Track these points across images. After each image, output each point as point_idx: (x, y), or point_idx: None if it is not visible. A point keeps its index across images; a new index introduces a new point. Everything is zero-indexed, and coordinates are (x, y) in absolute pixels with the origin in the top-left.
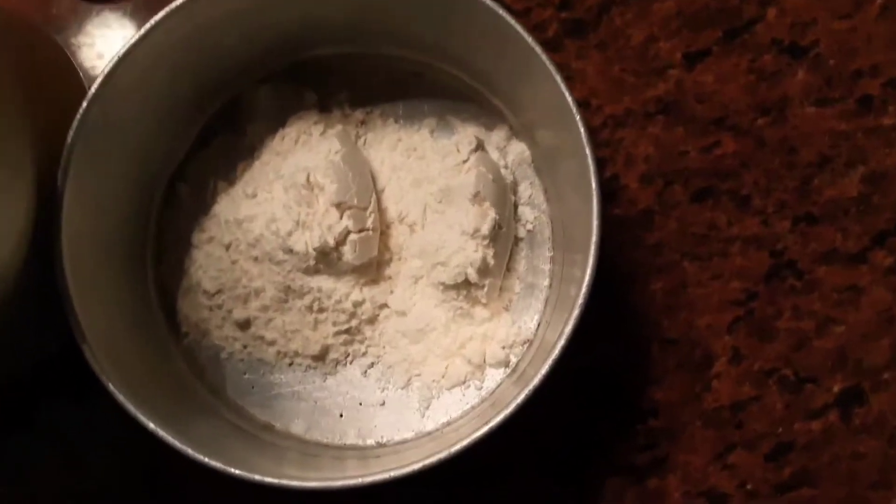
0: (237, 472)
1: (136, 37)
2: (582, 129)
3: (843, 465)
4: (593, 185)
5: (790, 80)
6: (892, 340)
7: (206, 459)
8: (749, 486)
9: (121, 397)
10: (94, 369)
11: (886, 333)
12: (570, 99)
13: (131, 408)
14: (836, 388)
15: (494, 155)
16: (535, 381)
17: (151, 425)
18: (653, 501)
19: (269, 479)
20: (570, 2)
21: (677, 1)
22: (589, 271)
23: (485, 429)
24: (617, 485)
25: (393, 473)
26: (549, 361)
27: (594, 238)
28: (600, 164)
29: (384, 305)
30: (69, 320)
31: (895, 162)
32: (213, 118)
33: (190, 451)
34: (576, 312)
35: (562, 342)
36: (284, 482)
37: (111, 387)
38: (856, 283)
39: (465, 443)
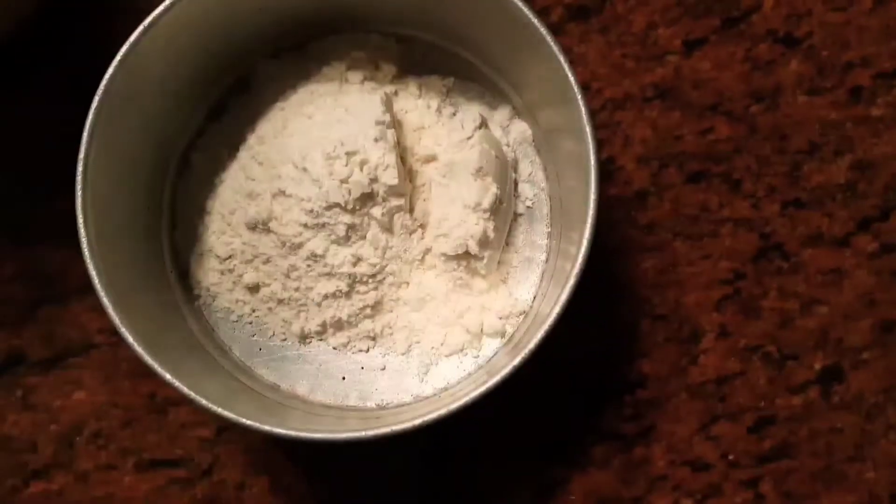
0: (248, 422)
1: (164, 5)
2: (583, 111)
3: (821, 439)
4: (592, 164)
5: (784, 70)
6: (872, 322)
7: (220, 410)
8: (731, 457)
9: (138, 348)
10: (115, 322)
11: (867, 315)
12: (573, 81)
13: (148, 358)
14: (817, 366)
15: (497, 133)
16: (530, 346)
17: (168, 376)
18: (638, 469)
19: (277, 430)
20: None
21: None
22: (584, 245)
23: (481, 389)
24: (603, 452)
25: (394, 428)
26: (543, 330)
27: (590, 214)
28: (598, 145)
29: (387, 274)
30: (91, 277)
31: (882, 151)
32: (226, 90)
33: (203, 402)
34: (570, 283)
35: (556, 311)
36: (292, 433)
37: (130, 339)
38: (840, 266)
39: (461, 402)
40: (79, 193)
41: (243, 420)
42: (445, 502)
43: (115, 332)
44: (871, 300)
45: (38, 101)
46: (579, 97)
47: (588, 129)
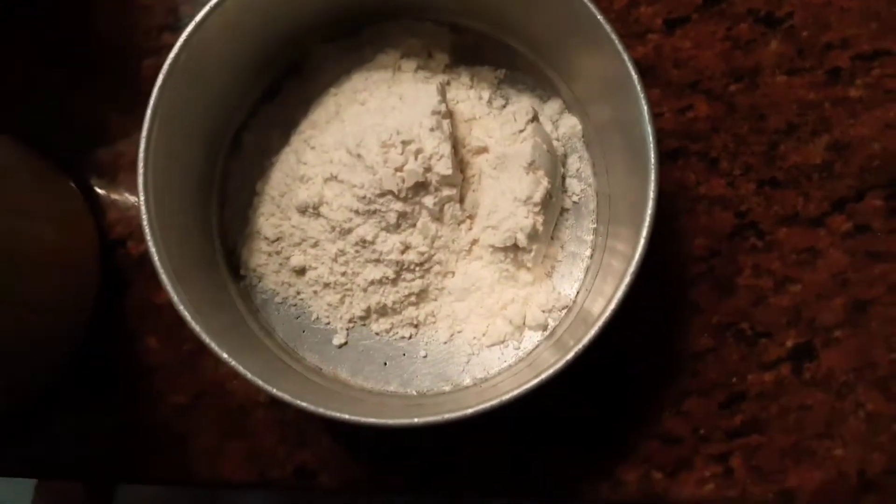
0: (303, 404)
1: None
2: (644, 104)
3: (791, 416)
4: (652, 160)
5: (764, 50)
6: (844, 301)
7: (274, 391)
8: (702, 431)
9: (196, 326)
10: (173, 299)
11: (839, 294)
12: (634, 73)
13: (206, 337)
14: (789, 343)
15: (547, 127)
16: (581, 344)
17: (224, 355)
18: (610, 440)
19: (331, 413)
20: None
21: None
22: (640, 248)
23: (529, 384)
24: (575, 424)
25: (446, 416)
26: (595, 328)
27: (649, 213)
28: (658, 138)
29: (434, 263)
30: (151, 252)
31: (859, 132)
32: (281, 73)
33: (260, 383)
34: (626, 281)
35: (610, 309)
36: (344, 416)
37: (188, 316)
38: (814, 245)
39: (510, 395)
40: (140, 171)
41: (298, 402)
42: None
43: None
44: (843, 280)
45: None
46: (640, 91)
47: (649, 124)
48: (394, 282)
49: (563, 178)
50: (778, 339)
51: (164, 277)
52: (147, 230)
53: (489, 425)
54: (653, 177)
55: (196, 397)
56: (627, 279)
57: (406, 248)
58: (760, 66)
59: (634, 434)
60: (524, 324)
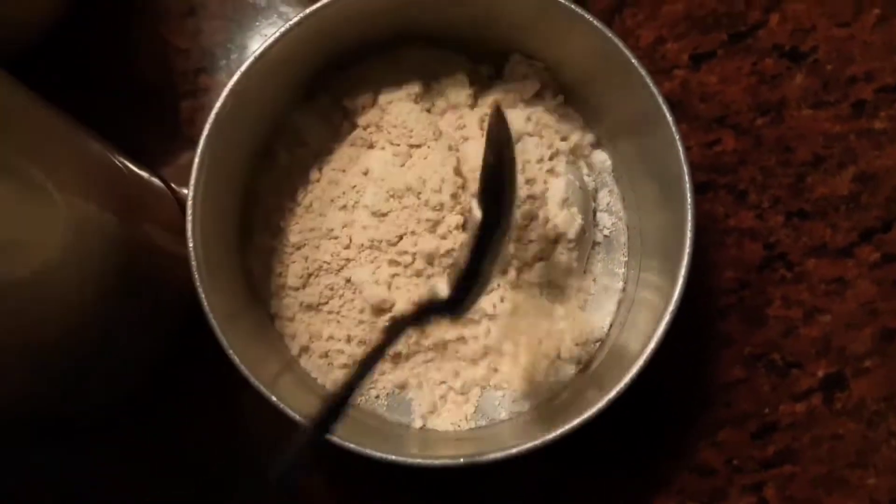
0: (366, 450)
1: (274, 37)
2: (678, 140)
3: (823, 446)
4: (688, 195)
5: (789, 83)
6: (873, 330)
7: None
8: (735, 462)
9: (249, 374)
10: (223, 344)
11: (869, 324)
12: (666, 110)
13: (256, 382)
14: (819, 374)
15: (578, 162)
16: (622, 384)
17: (274, 399)
18: (645, 472)
19: (378, 455)
20: (585, 2)
21: (686, 4)
22: (679, 285)
23: (568, 426)
24: (610, 455)
25: (489, 457)
26: (636, 368)
27: (688, 247)
28: (692, 173)
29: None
30: (201, 296)
31: (884, 163)
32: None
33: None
34: (666, 320)
35: (650, 349)
36: (390, 457)
37: (237, 359)
38: (842, 275)
39: (551, 436)
40: (189, 218)
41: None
42: None
43: None
44: (872, 309)
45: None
46: (673, 127)
47: (683, 158)
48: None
49: (595, 212)
50: (808, 369)
51: (212, 320)
52: (196, 274)
53: (522, 457)
54: (689, 214)
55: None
56: (667, 317)
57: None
58: (786, 100)
59: (669, 466)
60: (559, 357)
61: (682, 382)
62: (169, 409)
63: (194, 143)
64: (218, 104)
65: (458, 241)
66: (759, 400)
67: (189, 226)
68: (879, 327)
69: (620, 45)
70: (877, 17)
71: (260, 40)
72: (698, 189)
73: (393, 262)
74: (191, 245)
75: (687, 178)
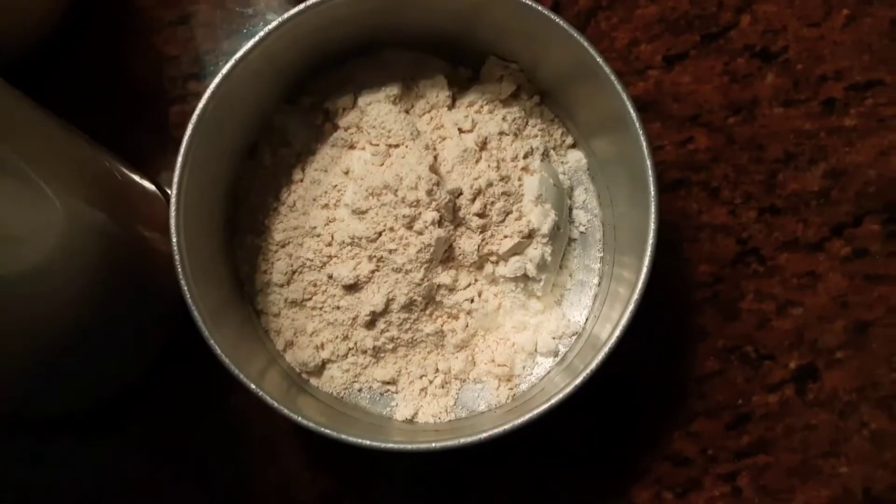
0: (327, 431)
1: (252, 42)
2: (643, 139)
3: (796, 436)
4: (652, 192)
5: (760, 83)
6: (845, 323)
7: (299, 419)
8: (710, 452)
9: (230, 365)
10: (207, 338)
11: (840, 316)
12: (633, 112)
13: (237, 372)
14: (792, 365)
15: (554, 161)
16: (589, 369)
17: (257, 389)
18: (621, 462)
19: (352, 439)
20: (560, 5)
21: (659, 7)
22: (643, 274)
23: (539, 409)
24: (587, 448)
25: (463, 440)
26: (603, 353)
27: (650, 241)
28: (658, 173)
29: (448, 292)
30: (185, 292)
31: (855, 160)
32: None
33: (301, 420)
34: (630, 309)
35: (615, 335)
36: (365, 442)
37: (218, 350)
38: (814, 269)
39: (525, 418)
40: (172, 214)
41: (314, 426)
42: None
43: None
44: (844, 302)
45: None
46: (638, 126)
47: (648, 157)
48: (404, 312)
49: (570, 209)
50: (781, 361)
51: (198, 317)
52: (179, 271)
53: (503, 450)
54: (653, 210)
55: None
56: (631, 306)
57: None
58: (758, 99)
59: (645, 456)
60: (536, 350)
61: (657, 375)
62: (161, 409)
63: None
64: (199, 107)
65: (434, 237)
66: (733, 391)
67: (172, 225)
68: (851, 320)
69: (590, 49)
70: (846, 18)
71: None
72: (672, 186)
73: (372, 258)
74: (174, 243)
75: (651, 179)
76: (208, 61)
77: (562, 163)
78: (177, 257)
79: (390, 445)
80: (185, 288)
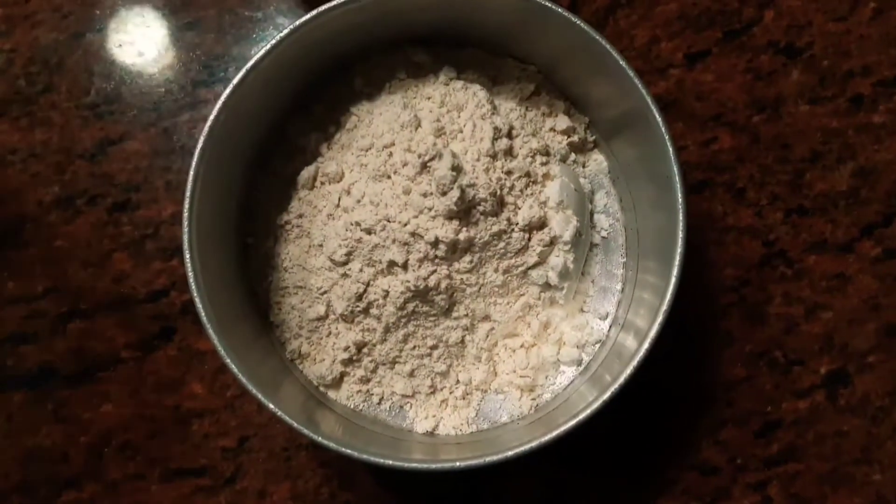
0: (347, 451)
1: (264, 50)
2: (667, 140)
3: (827, 443)
4: (679, 195)
5: (785, 80)
6: (876, 326)
7: (319, 438)
8: (739, 461)
9: (240, 374)
10: (218, 348)
11: (871, 319)
12: (656, 112)
13: (249, 384)
14: (822, 370)
15: (575, 165)
16: (618, 383)
17: (270, 404)
18: (648, 472)
19: (374, 459)
20: (578, 4)
21: (679, 3)
22: (672, 283)
23: (568, 425)
24: (614, 456)
25: (488, 458)
26: (631, 367)
27: (679, 248)
28: (684, 175)
29: (468, 300)
30: (196, 303)
31: (884, 157)
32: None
33: (323, 439)
34: (659, 320)
35: (644, 347)
36: (388, 462)
37: (231, 363)
38: (843, 271)
39: (554, 434)
40: (185, 227)
41: (334, 445)
42: None
43: (139, 348)
44: (875, 304)
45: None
46: (662, 126)
47: (674, 160)
48: (428, 328)
49: (591, 214)
50: (811, 366)
51: (208, 328)
52: (192, 283)
53: (527, 460)
54: (681, 214)
55: (241, 440)
56: (660, 318)
57: (437, 285)
58: (783, 97)
59: (672, 465)
60: (559, 359)
61: (683, 382)
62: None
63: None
64: (212, 117)
65: (445, 233)
66: (761, 398)
67: (185, 237)
68: (882, 322)
69: (609, 47)
70: (873, 11)
71: (257, 52)
72: (696, 188)
73: (384, 263)
74: (187, 260)
75: (678, 178)
76: (217, 67)
77: (582, 166)
78: (189, 269)
79: (414, 465)
80: (197, 299)
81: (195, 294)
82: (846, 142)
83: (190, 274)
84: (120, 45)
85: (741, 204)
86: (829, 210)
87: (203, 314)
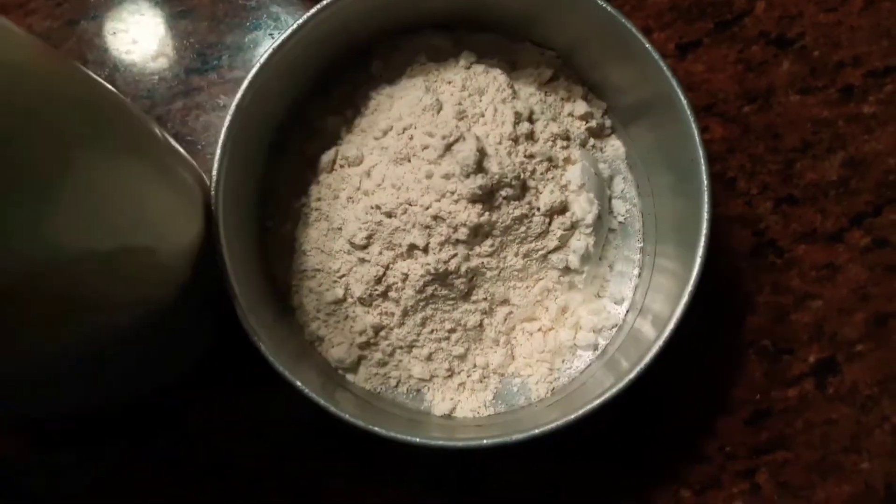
0: (380, 430)
1: (288, 32)
2: (694, 123)
3: (816, 431)
4: (704, 181)
5: (776, 70)
6: (865, 315)
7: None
8: (728, 449)
9: (270, 357)
10: (249, 332)
11: (860, 308)
12: (681, 94)
13: (279, 365)
14: (811, 359)
15: (593, 150)
16: (636, 371)
17: (297, 382)
18: (638, 460)
19: (392, 435)
20: None
21: None
22: (696, 269)
23: (584, 409)
24: (603, 444)
25: (513, 437)
26: (651, 354)
27: (704, 231)
28: (708, 158)
29: (487, 283)
30: (230, 283)
31: (874, 148)
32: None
33: (349, 416)
34: (683, 302)
35: (665, 335)
36: (407, 437)
37: (261, 346)
38: (833, 261)
39: (567, 419)
40: (215, 202)
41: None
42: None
43: None
44: (864, 294)
45: None
46: (689, 113)
47: (700, 145)
48: (447, 311)
49: (609, 199)
50: (800, 354)
51: (239, 309)
52: (226, 260)
53: (521, 446)
54: (706, 196)
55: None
56: (685, 299)
57: (457, 269)
58: (774, 87)
59: (662, 453)
60: (576, 344)
61: (673, 370)
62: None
63: (188, 142)
64: (238, 96)
65: (468, 217)
66: (751, 386)
67: (219, 218)
68: (871, 312)
69: (635, 30)
70: (864, 2)
71: (250, 40)
72: None
73: (405, 246)
74: (221, 233)
75: (703, 162)
76: (211, 55)
77: (600, 151)
78: (223, 245)
79: (439, 443)
80: (232, 279)
81: (230, 271)
82: (836, 132)
83: (224, 252)
84: (114, 33)
85: (732, 194)
86: (819, 200)
87: (238, 293)
